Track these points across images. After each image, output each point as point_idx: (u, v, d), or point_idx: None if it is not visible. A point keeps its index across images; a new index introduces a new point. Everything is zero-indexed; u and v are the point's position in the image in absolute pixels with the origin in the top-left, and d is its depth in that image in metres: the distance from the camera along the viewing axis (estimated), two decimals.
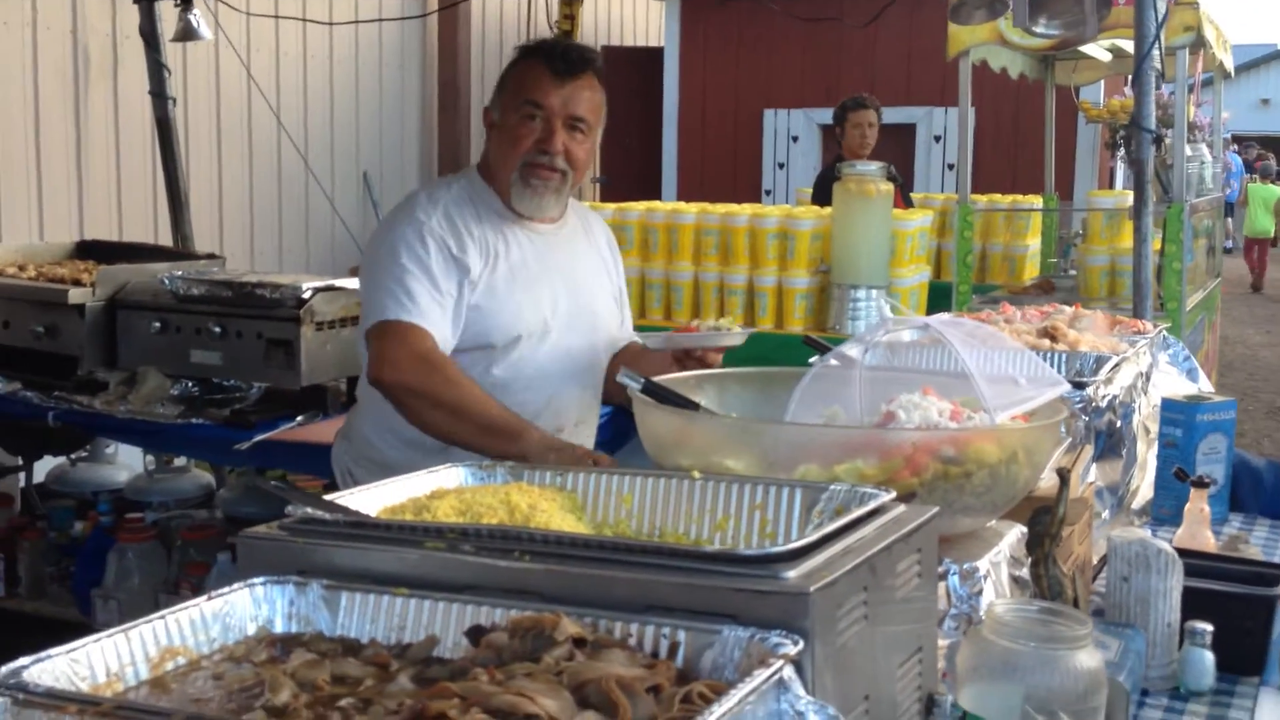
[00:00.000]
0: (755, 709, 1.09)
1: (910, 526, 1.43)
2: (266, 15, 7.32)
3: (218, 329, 4.15)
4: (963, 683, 1.58)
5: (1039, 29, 3.63)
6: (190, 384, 4.23)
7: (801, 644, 1.15)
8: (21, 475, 5.31)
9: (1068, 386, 2.22)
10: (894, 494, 1.50)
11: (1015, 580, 2.03)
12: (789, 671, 1.14)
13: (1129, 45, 6.09)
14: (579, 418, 2.93)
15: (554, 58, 2.69)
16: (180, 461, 5.23)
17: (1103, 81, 8.81)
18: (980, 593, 1.87)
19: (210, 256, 4.82)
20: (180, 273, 4.31)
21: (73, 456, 5.24)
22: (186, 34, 5.24)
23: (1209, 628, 2.07)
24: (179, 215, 5.46)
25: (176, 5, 5.20)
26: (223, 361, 4.19)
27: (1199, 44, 5.32)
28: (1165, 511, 2.99)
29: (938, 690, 1.51)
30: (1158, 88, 3.76)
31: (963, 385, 2.17)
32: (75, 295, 4.23)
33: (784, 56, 10.52)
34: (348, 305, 4.20)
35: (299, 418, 4.02)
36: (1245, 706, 2.03)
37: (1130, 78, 9.63)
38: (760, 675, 1.08)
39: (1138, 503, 3.07)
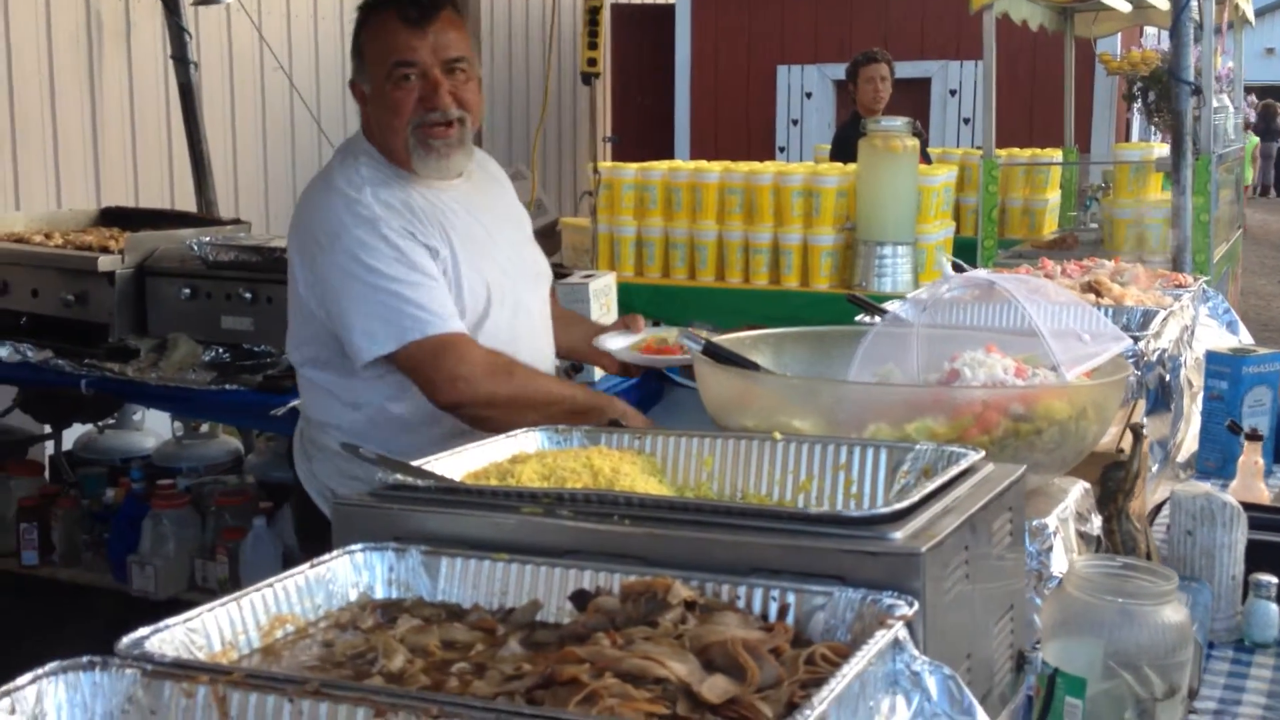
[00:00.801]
0: (875, 669, 1.10)
1: (1003, 485, 1.43)
2: None
3: (248, 295, 4.15)
4: (1047, 639, 1.58)
5: None
6: (221, 350, 4.23)
7: (916, 605, 1.15)
8: (50, 443, 5.32)
9: (1129, 342, 2.21)
10: (982, 453, 1.50)
11: (1081, 536, 2.03)
12: (903, 632, 1.14)
13: None
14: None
15: (405, 4, 2.47)
16: (204, 427, 5.25)
17: (1120, 33, 8.74)
18: (1050, 549, 1.87)
19: (236, 222, 4.81)
20: (208, 239, 4.29)
21: (100, 424, 5.25)
22: None
23: (1274, 580, 2.08)
24: (203, 181, 5.43)
25: None
26: (253, 327, 4.19)
27: None
28: (1210, 464, 2.98)
29: (1026, 648, 1.51)
30: (1196, 40, 3.74)
31: (1021, 342, 2.17)
32: (105, 263, 4.23)
33: (796, 12, 10.44)
34: None
35: None
36: None
37: (1144, 29, 9.57)
38: (882, 636, 1.09)
39: (1182, 456, 3.07)
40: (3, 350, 4.25)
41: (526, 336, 2.70)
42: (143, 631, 1.11)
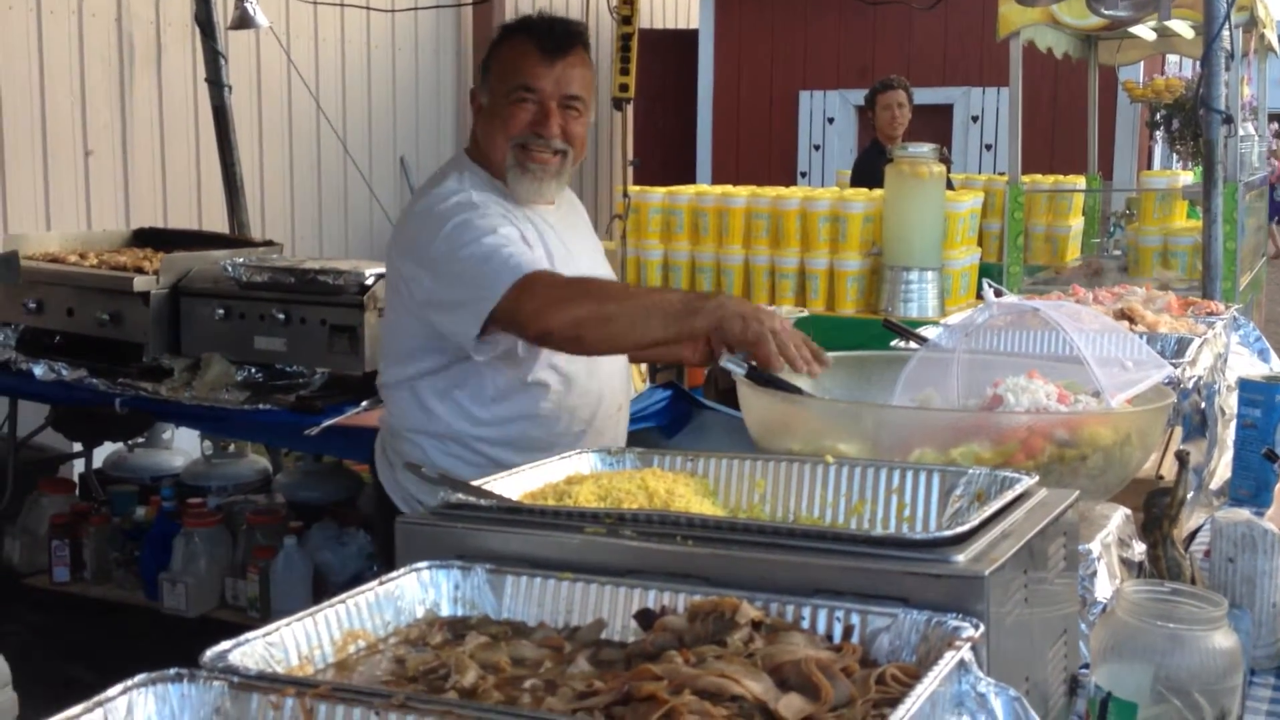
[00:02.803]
0: (944, 690, 1.11)
1: (1058, 510, 1.45)
2: (305, 0, 7.35)
3: (281, 315, 4.17)
4: (1098, 663, 1.60)
5: (1112, 10, 3.62)
6: (254, 370, 4.27)
7: (983, 627, 1.17)
8: (79, 461, 5.37)
9: (1171, 369, 2.23)
10: (1036, 478, 1.52)
11: (1123, 562, 2.04)
12: (969, 654, 1.16)
13: (1174, 24, 6.08)
14: (623, 399, 2.88)
15: (542, 35, 2.60)
16: (233, 446, 5.28)
17: (1142, 61, 8.77)
18: (1094, 575, 1.88)
19: (268, 243, 4.85)
20: (242, 260, 4.33)
21: (130, 443, 5.29)
22: (243, 22, 5.27)
23: None
24: (235, 202, 5.48)
25: None
26: (286, 348, 4.22)
27: (1252, 23, 5.30)
28: (1244, 492, 2.98)
29: (1077, 672, 1.53)
30: (1226, 68, 3.76)
31: (1060, 368, 2.19)
32: (140, 283, 4.27)
33: (819, 37, 10.50)
34: None
35: (364, 403, 4.05)
36: None
37: (1167, 57, 9.60)
38: (951, 657, 1.10)
39: (1215, 483, 3.08)
40: (37, 369, 4.30)
41: (609, 361, 2.77)
42: (225, 645, 1.13)
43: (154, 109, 6.97)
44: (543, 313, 2.39)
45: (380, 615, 1.31)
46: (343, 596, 1.28)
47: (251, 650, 1.15)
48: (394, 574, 1.35)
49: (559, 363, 2.64)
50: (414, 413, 2.70)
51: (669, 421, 4.19)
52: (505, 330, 2.49)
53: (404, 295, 2.64)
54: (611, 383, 2.80)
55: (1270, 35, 6.46)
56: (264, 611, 4.20)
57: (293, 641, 1.20)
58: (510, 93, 2.59)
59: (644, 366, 4.16)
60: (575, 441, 2.55)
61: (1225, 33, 3.59)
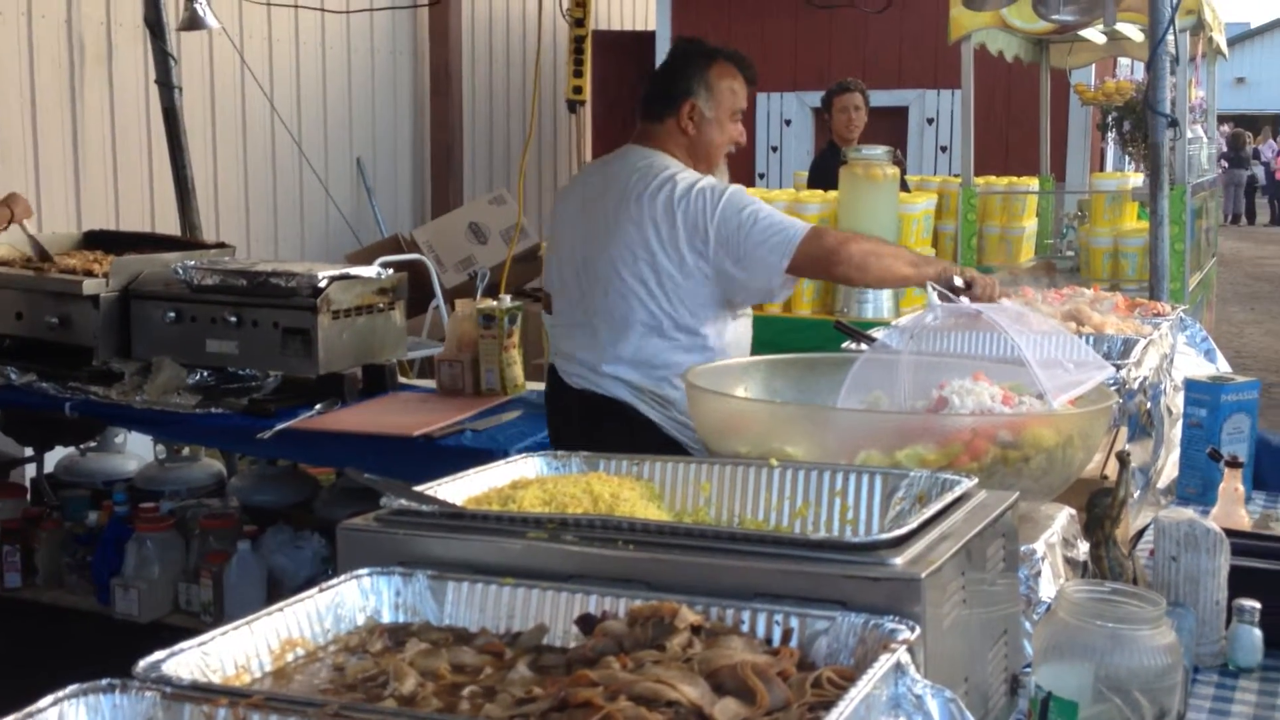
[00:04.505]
0: (880, 692, 1.12)
1: (997, 512, 1.46)
2: (258, 1, 7.29)
3: (233, 318, 4.14)
4: (1039, 663, 1.61)
5: (1057, 15, 3.65)
6: (206, 374, 4.23)
7: (919, 629, 1.17)
8: (31, 466, 5.31)
9: (1113, 370, 2.25)
10: (975, 480, 1.53)
11: (1068, 561, 2.07)
12: (905, 656, 1.17)
13: (1124, 28, 6.14)
14: None
15: (750, 75, 3.41)
16: (186, 450, 5.24)
17: (1094, 64, 8.85)
18: (1039, 574, 1.90)
19: (220, 245, 4.81)
20: (193, 262, 4.29)
21: (82, 447, 5.23)
22: (193, 23, 5.23)
23: (1257, 605, 2.11)
24: (186, 204, 5.44)
25: None
26: (239, 351, 4.19)
27: (1199, 26, 5.36)
28: (1191, 490, 3.03)
29: (1019, 672, 1.54)
30: (1172, 72, 3.80)
31: (1007, 370, 2.21)
32: (89, 286, 4.23)
33: (776, 40, 10.52)
34: (363, 293, 4.21)
35: (317, 406, 4.03)
36: None
37: (1118, 60, 9.70)
38: (886, 659, 1.11)
39: (1162, 482, 3.11)
40: None
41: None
42: (158, 655, 1.12)
43: (105, 110, 6.90)
44: (840, 248, 3.07)
45: (320, 623, 1.30)
46: (281, 604, 1.27)
47: (186, 660, 1.14)
48: (334, 581, 1.34)
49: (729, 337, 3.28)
50: (670, 354, 3.20)
51: None
52: (801, 271, 3.12)
53: (672, 264, 3.16)
54: None
55: (1219, 38, 6.54)
56: (217, 616, 4.16)
57: (229, 651, 1.19)
58: (735, 114, 3.38)
59: None
60: None
61: (1170, 37, 3.64)
